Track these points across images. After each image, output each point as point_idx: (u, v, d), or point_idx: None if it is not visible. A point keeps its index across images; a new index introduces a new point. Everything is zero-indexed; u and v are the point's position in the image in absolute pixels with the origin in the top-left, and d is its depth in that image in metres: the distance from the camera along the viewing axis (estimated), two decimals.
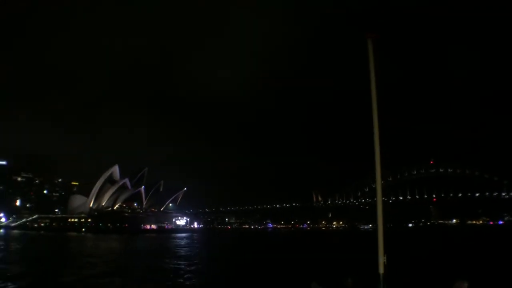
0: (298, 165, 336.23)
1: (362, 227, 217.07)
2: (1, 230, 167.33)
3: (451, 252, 54.52)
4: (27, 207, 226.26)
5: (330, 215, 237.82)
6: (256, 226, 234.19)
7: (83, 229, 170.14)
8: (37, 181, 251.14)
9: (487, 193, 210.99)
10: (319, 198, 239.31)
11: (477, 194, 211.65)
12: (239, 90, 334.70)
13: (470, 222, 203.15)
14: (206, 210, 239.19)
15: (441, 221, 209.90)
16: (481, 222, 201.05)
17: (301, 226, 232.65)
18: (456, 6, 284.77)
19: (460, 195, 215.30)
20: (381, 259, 8.25)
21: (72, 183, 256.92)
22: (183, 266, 40.04)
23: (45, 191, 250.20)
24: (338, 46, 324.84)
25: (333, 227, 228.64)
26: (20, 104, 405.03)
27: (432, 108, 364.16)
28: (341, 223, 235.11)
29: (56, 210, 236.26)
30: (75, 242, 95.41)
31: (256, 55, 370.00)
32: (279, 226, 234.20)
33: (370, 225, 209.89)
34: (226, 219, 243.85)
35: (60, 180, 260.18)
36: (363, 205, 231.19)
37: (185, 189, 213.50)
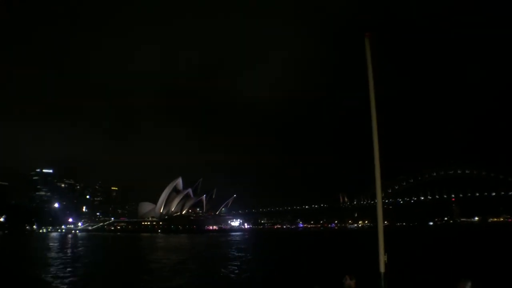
0: (324, 166, 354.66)
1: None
2: (79, 233, 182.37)
3: (464, 251, 54.85)
4: (86, 212, 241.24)
5: (356, 215, 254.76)
6: (288, 226, 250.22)
7: (159, 230, 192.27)
8: (78, 187, 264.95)
9: (503, 193, 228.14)
10: (345, 199, 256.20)
11: (493, 194, 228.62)
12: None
13: (491, 219, 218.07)
14: (240, 212, 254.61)
15: (464, 219, 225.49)
16: (502, 219, 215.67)
17: (329, 225, 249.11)
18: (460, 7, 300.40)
19: (477, 194, 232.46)
20: (382, 258, 8.21)
21: (112, 188, 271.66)
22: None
23: (87, 196, 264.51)
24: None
25: (359, 226, 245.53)
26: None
27: (448, 113, 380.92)
28: (366, 222, 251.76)
29: (98, 214, 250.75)
30: (175, 240, 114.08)
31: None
32: (309, 226, 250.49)
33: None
34: (259, 220, 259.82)
35: (97, 185, 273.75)
36: (386, 205, 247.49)
37: (234, 195, 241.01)
